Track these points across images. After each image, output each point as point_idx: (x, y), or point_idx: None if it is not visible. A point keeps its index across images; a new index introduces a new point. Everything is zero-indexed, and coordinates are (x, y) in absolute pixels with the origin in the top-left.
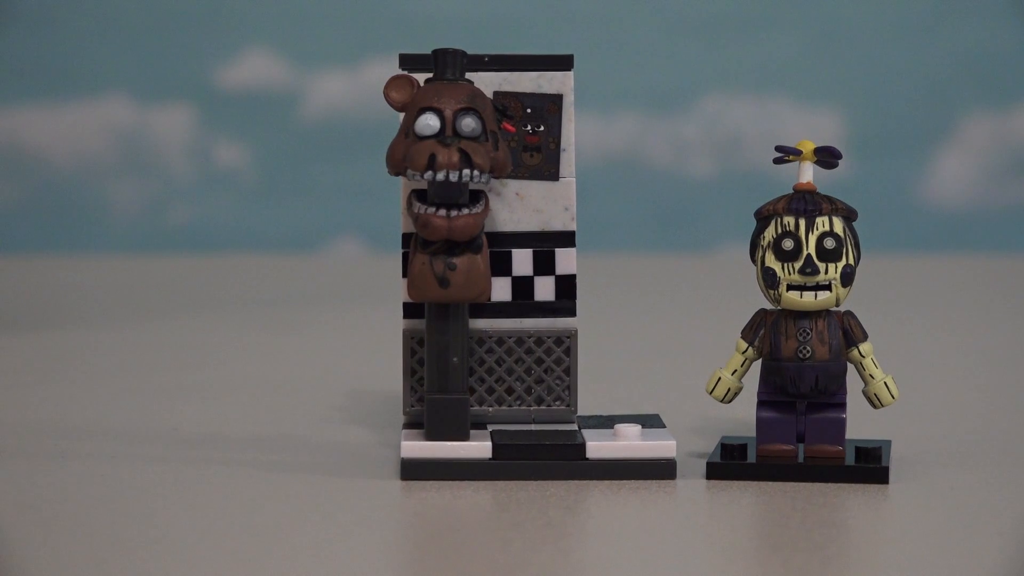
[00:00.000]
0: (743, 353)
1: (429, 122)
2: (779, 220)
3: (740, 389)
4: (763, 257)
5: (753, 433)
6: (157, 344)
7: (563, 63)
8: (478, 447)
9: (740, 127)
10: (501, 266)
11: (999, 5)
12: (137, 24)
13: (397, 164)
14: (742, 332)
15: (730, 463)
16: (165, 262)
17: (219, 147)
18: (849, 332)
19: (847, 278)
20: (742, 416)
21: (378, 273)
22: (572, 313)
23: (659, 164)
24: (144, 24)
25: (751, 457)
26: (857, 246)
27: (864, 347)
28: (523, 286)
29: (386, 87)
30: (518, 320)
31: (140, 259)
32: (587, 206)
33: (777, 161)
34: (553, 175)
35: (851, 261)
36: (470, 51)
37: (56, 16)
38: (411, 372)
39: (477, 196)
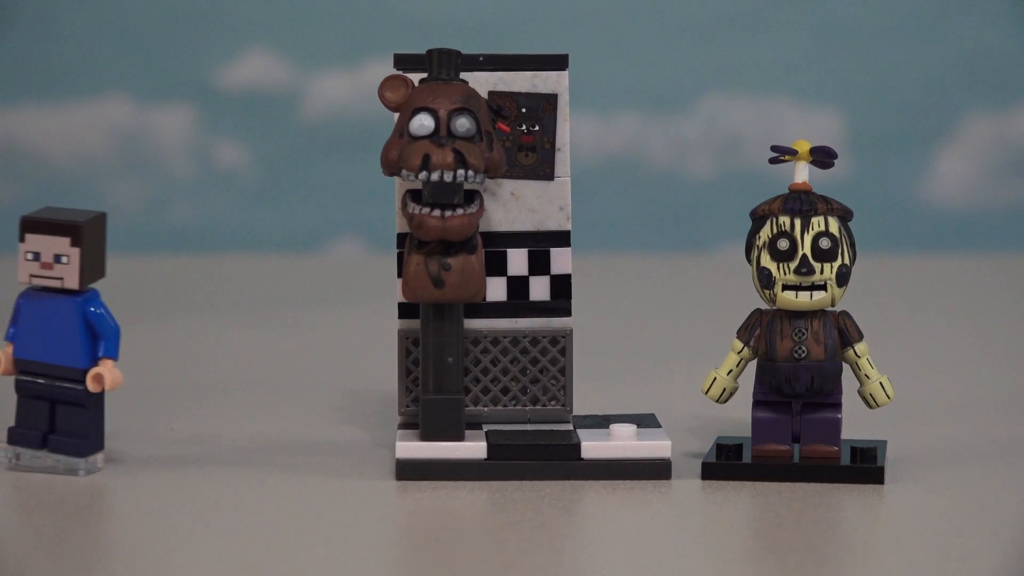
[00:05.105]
0: (738, 353)
1: (423, 122)
2: (775, 220)
3: (735, 389)
4: (759, 257)
5: (749, 433)
6: (155, 343)
7: (558, 63)
8: (473, 447)
9: (740, 127)
10: (496, 266)
11: (999, 5)
12: (137, 24)
13: (391, 164)
14: (737, 332)
15: (726, 463)
16: (165, 262)
17: (219, 147)
18: (845, 332)
19: (843, 278)
20: (737, 416)
21: (378, 273)
22: (567, 313)
23: (658, 164)
24: (144, 24)
25: (747, 457)
26: (853, 246)
27: (859, 347)
28: (518, 286)
29: (380, 87)
30: (513, 320)
31: (140, 259)
32: (586, 206)
33: (773, 161)
34: (548, 175)
35: (847, 261)
36: (470, 51)
37: (56, 16)
38: (406, 372)
39: (472, 196)
